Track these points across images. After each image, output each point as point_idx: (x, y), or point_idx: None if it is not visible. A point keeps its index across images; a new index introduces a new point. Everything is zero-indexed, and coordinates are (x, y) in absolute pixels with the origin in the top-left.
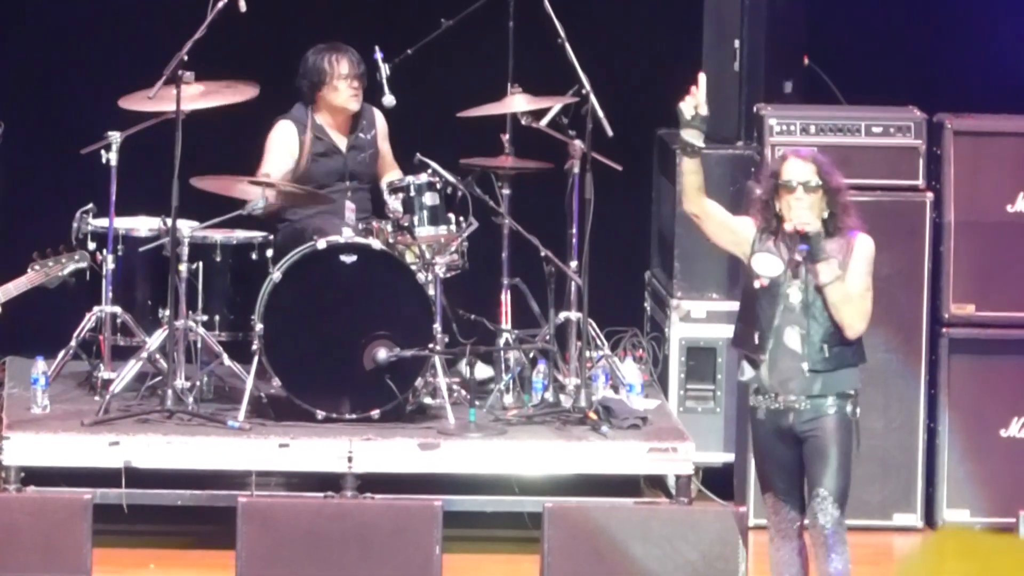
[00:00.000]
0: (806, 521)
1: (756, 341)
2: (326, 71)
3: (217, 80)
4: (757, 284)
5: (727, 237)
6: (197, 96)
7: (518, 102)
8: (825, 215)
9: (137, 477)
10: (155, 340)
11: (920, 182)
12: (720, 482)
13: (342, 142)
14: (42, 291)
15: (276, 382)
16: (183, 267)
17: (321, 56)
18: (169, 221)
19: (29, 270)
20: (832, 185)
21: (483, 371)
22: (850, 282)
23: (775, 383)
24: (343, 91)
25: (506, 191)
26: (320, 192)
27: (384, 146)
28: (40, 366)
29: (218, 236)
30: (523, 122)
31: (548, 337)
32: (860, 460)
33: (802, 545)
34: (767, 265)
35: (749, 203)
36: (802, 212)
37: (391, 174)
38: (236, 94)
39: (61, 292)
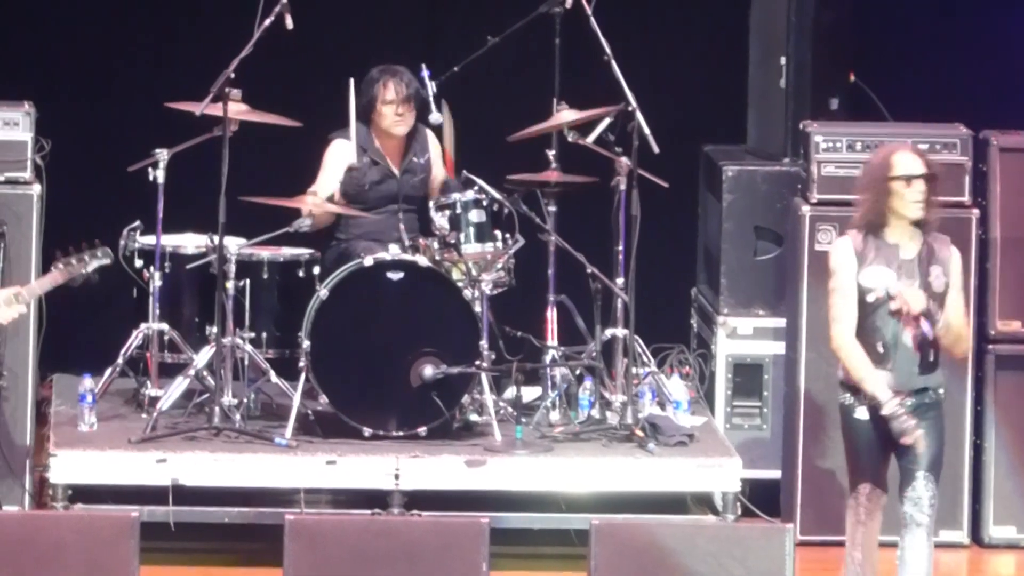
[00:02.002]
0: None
1: (881, 350)
2: (374, 95)
3: (264, 111)
4: (872, 298)
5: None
6: (244, 113)
7: (564, 119)
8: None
9: (184, 494)
10: (202, 357)
11: (966, 199)
12: (767, 499)
13: (395, 165)
14: (82, 303)
15: (323, 399)
16: (230, 284)
17: (373, 79)
18: (216, 238)
19: (52, 268)
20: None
21: (530, 389)
22: (957, 303)
23: (898, 384)
24: (387, 116)
25: (552, 208)
26: (365, 214)
27: (437, 170)
28: (87, 383)
29: (265, 253)
30: (569, 139)
31: (594, 354)
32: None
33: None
34: (878, 278)
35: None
36: (915, 206)
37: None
38: (281, 118)
39: (106, 308)
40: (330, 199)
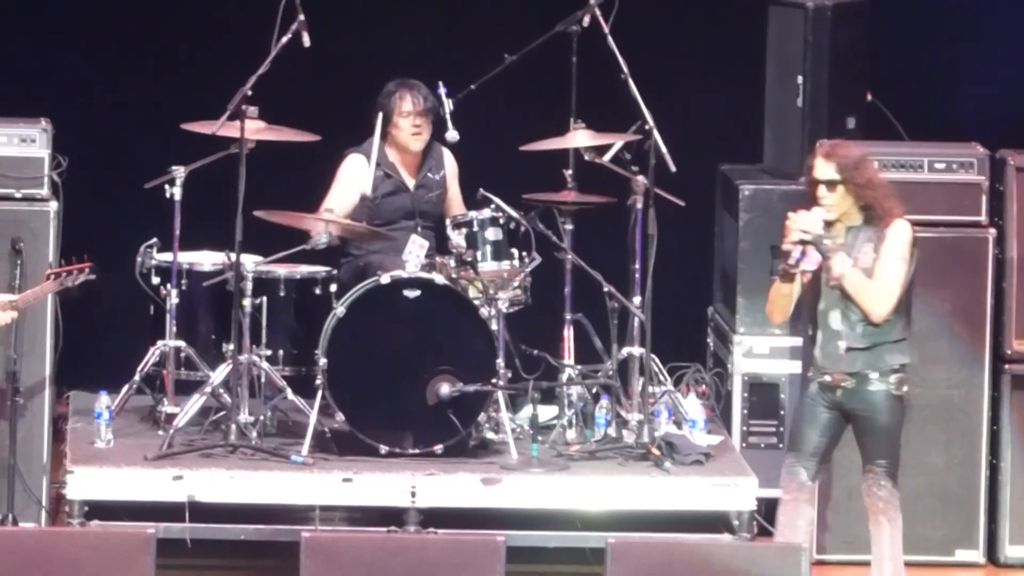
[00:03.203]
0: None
1: (809, 326)
2: (391, 109)
3: (282, 125)
4: (805, 278)
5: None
6: (261, 130)
7: (581, 137)
8: (861, 204)
9: (200, 511)
10: (219, 374)
11: (983, 218)
12: None
13: (410, 180)
14: (99, 320)
15: (339, 416)
16: (247, 302)
17: (389, 92)
18: (233, 256)
19: (45, 280)
20: (856, 181)
21: (546, 408)
22: (877, 269)
23: (825, 362)
24: (405, 129)
25: (569, 226)
26: (380, 230)
27: (453, 187)
28: (104, 400)
29: (282, 271)
30: (586, 157)
31: (611, 373)
32: (922, 496)
33: (812, 513)
34: (807, 259)
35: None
36: (829, 207)
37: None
38: (299, 132)
39: (123, 325)
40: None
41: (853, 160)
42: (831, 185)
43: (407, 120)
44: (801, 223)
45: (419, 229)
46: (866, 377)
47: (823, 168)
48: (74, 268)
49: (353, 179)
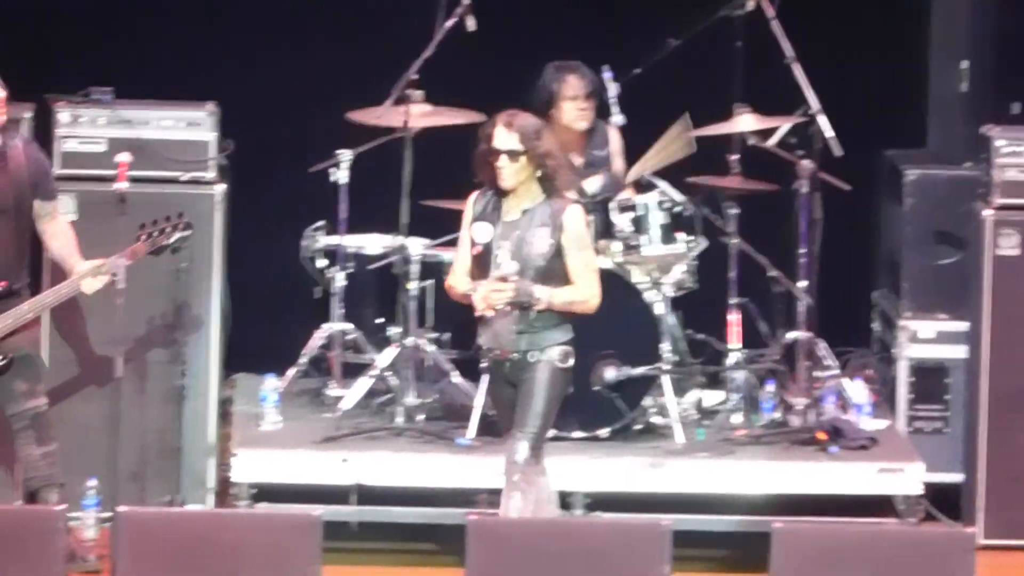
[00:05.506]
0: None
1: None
2: (555, 91)
3: (448, 106)
4: (474, 251)
5: None
6: (426, 114)
7: (746, 122)
8: (539, 174)
9: (366, 494)
10: (385, 358)
11: None
12: (949, 503)
13: (577, 159)
14: (263, 306)
15: None
16: (413, 285)
17: (552, 76)
18: (399, 239)
19: (137, 241)
20: (538, 151)
21: (711, 393)
22: (572, 265)
23: (491, 340)
24: (570, 111)
25: (734, 210)
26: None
27: (618, 164)
28: (270, 383)
29: (448, 255)
30: (751, 142)
31: (777, 357)
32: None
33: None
34: (481, 232)
35: (476, 164)
36: (508, 177)
37: (623, 193)
38: (465, 114)
39: (289, 308)
40: None
41: (534, 129)
42: (513, 155)
43: (572, 103)
44: (491, 298)
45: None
46: (530, 353)
47: (505, 138)
48: (167, 226)
49: None
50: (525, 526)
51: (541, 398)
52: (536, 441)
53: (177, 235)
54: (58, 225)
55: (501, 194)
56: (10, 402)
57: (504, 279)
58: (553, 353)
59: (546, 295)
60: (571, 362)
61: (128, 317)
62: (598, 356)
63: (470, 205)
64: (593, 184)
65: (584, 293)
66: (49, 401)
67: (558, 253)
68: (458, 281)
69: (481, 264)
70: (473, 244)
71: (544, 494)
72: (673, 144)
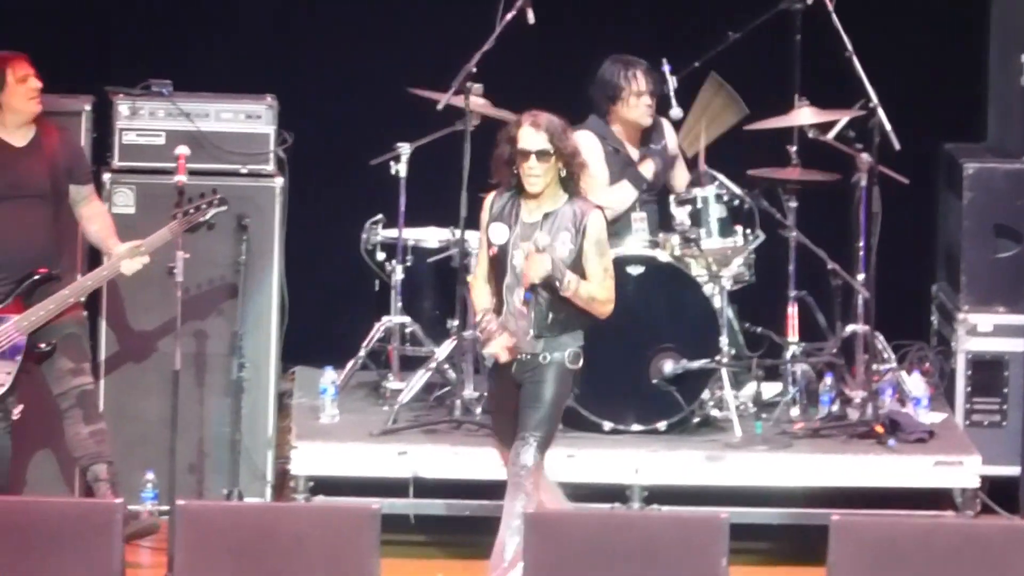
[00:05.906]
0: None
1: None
2: (622, 87)
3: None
4: (490, 252)
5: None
6: (485, 107)
7: (805, 115)
8: (563, 174)
9: (425, 487)
10: (443, 350)
11: None
12: (1007, 496)
13: (635, 153)
14: (322, 298)
15: None
16: (471, 278)
17: (617, 71)
18: (458, 232)
19: (172, 219)
20: (567, 150)
21: (769, 386)
22: (590, 270)
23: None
24: (637, 107)
25: (792, 203)
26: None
27: (676, 159)
28: (329, 376)
29: None
30: (810, 135)
31: (835, 350)
32: None
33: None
34: (497, 234)
35: (495, 165)
36: (537, 179)
37: (680, 185)
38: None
39: (348, 301)
40: None
41: (561, 128)
42: (543, 155)
43: (641, 99)
44: (530, 265)
45: (638, 205)
46: (540, 356)
47: (533, 138)
48: (202, 203)
49: (589, 156)
50: (583, 519)
51: (549, 400)
52: (544, 444)
53: (212, 211)
54: (94, 209)
55: (520, 195)
56: (56, 381)
57: (541, 250)
58: (564, 354)
59: (575, 281)
60: (580, 364)
61: (186, 309)
62: (657, 349)
63: (487, 206)
64: (648, 169)
65: (605, 294)
66: (107, 396)
67: (579, 256)
68: (477, 294)
69: (497, 265)
70: (489, 245)
71: (547, 495)
72: (715, 107)
